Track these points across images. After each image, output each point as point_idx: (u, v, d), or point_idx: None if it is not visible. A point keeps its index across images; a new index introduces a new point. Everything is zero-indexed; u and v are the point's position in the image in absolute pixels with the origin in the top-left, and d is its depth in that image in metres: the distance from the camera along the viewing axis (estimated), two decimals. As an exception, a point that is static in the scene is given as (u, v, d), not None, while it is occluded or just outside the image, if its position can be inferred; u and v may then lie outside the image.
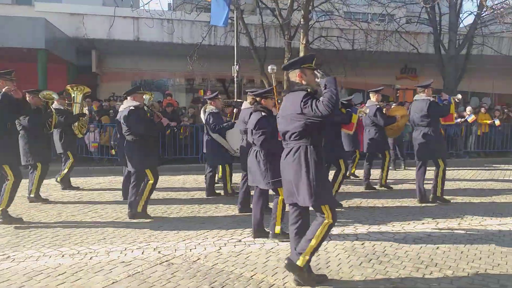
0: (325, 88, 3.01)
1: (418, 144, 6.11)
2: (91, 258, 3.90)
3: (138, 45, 13.49)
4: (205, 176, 6.99)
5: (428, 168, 6.28)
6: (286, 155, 3.28)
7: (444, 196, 6.20)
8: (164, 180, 8.30)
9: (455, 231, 4.77)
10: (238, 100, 10.94)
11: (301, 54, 11.60)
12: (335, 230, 4.76)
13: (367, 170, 7.29)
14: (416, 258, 3.90)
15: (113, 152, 8.70)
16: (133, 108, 5.15)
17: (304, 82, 3.24)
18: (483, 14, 13.18)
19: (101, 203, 6.24)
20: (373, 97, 7.15)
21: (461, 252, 4.04)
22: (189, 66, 12.10)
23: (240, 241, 4.44)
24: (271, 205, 4.62)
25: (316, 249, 3.19)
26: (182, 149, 10.28)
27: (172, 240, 4.44)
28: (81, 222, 5.23)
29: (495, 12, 12.26)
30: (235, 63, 10.27)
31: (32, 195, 6.20)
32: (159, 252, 4.08)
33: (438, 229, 4.85)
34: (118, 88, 13.96)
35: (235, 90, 10.70)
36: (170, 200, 6.52)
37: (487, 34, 14.29)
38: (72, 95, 7.02)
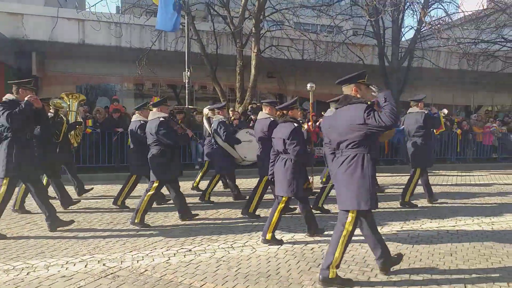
0: (385, 101, 3.24)
1: (415, 152, 6.55)
2: (28, 274, 3.63)
3: (84, 49, 12.92)
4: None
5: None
6: (341, 163, 3.44)
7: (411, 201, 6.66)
8: (111, 189, 7.98)
9: (399, 234, 4.99)
10: (189, 106, 10.81)
11: (253, 62, 11.74)
12: (285, 236, 4.82)
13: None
14: (362, 261, 4.03)
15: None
16: (163, 119, 5.29)
17: (359, 96, 3.49)
18: (422, 29, 14.10)
19: (40, 213, 5.85)
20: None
21: (404, 254, 4.22)
22: (138, 71, 11.80)
23: (190, 250, 4.35)
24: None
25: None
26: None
27: (118, 252, 4.25)
28: (17, 235, 4.86)
29: (433, 27, 13.16)
30: (186, 69, 10.15)
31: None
32: (104, 264, 3.89)
33: (383, 233, 5.05)
34: (61, 92, 13.25)
35: (186, 97, 10.56)
36: (116, 210, 6.26)
37: (426, 48, 15.31)
38: (68, 103, 6.72)
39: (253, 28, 11.44)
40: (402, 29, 14.34)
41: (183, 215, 5.58)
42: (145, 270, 3.76)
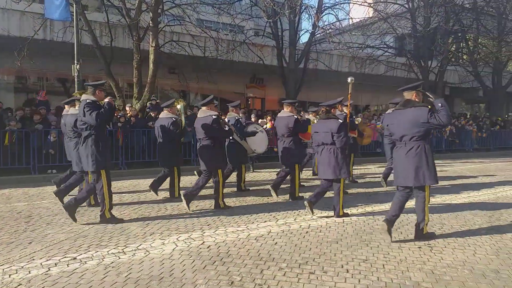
0: (441, 106, 4.24)
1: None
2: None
3: None
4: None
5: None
6: (408, 151, 4.47)
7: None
8: (-18, 196, 7.01)
9: (291, 226, 5.21)
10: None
11: (151, 56, 11.30)
12: (182, 236, 4.71)
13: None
14: (256, 255, 4.10)
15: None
16: (216, 117, 6.09)
17: (417, 100, 4.55)
18: (317, 33, 15.06)
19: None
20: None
21: (295, 245, 4.42)
22: (17, 62, 10.49)
23: (75, 258, 3.97)
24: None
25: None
26: (8, 159, 8.80)
27: (-16, 267, 3.70)
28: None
29: (326, 32, 14.13)
30: (75, 62, 9.33)
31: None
32: (-36, 284, 3.34)
33: (277, 225, 5.23)
34: None
35: (77, 91, 9.71)
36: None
37: (320, 51, 16.38)
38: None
39: (150, 22, 10.98)
40: (299, 32, 15.10)
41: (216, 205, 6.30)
42: (19, 285, 3.33)
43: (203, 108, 6.28)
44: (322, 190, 5.74)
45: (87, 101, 5.22)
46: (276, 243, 4.50)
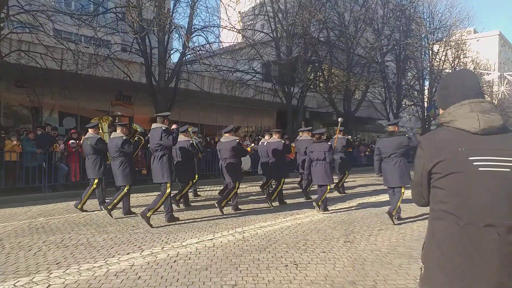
0: (413, 135, 7.32)
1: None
2: None
3: None
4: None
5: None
6: (394, 164, 6.73)
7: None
8: None
9: (158, 256, 4.78)
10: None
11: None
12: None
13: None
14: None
15: None
16: (238, 140, 7.97)
17: (397, 131, 7.03)
18: (187, 54, 14.92)
19: None
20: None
21: (161, 277, 4.03)
22: None
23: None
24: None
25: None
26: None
27: None
28: None
29: (197, 53, 14.11)
30: None
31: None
32: None
33: (142, 257, 4.74)
34: None
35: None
36: None
37: (192, 71, 16.30)
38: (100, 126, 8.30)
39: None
40: (169, 51, 14.75)
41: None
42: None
43: (226, 134, 7.89)
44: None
45: (163, 128, 6.49)
46: (139, 277, 4.04)
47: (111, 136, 7.42)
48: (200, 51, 13.85)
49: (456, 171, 1.58)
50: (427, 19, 29.27)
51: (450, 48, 30.21)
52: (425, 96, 31.56)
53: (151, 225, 6.30)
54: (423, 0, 26.76)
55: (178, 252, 4.93)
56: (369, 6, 22.15)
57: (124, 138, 7.17)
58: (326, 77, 22.74)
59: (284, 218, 7.20)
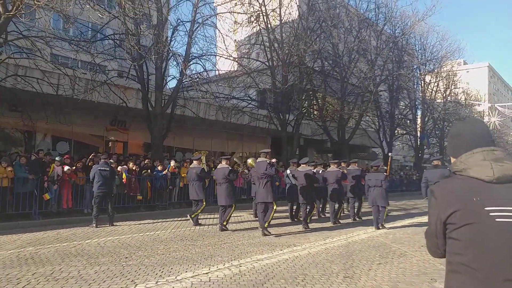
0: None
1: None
2: None
3: None
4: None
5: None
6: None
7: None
8: None
9: (152, 291, 4.60)
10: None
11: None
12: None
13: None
14: None
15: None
16: (231, 168, 9.60)
17: (440, 164, 9.93)
18: (184, 81, 15.03)
19: None
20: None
21: None
22: None
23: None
24: None
25: None
26: None
27: None
28: None
29: (193, 80, 14.23)
30: None
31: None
32: None
33: (136, 292, 4.56)
34: None
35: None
36: None
37: (188, 98, 16.38)
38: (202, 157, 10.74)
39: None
40: (166, 78, 14.86)
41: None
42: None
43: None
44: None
45: (267, 162, 8.56)
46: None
47: (218, 167, 9.38)
48: (197, 78, 13.96)
49: (472, 221, 1.52)
50: (419, 50, 30.08)
51: (441, 79, 30.89)
52: (418, 125, 31.97)
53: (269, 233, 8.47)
54: (415, 32, 27.53)
55: (173, 287, 4.75)
56: (363, 37, 22.69)
57: (229, 168, 9.19)
58: (320, 105, 22.97)
59: (281, 250, 7.04)
